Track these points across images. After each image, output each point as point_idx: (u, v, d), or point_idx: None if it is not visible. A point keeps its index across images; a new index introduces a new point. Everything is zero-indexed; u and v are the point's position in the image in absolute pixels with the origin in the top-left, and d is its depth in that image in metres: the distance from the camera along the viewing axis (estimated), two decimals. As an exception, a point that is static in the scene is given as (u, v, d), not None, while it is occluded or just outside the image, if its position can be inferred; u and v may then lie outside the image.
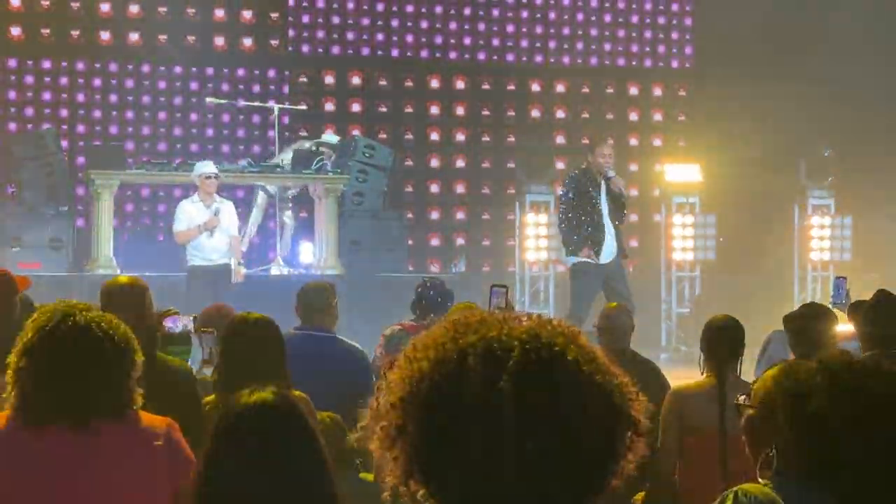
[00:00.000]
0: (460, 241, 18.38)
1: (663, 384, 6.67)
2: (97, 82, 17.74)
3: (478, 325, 1.73)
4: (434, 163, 19.08)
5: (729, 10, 18.02)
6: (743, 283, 15.94)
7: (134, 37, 17.79)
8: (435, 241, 18.78)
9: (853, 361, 2.73)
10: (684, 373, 7.45)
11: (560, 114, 19.44)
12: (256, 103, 17.31)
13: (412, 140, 18.96)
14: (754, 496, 2.70)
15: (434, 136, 19.11)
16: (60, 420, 3.50)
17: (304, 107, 17.38)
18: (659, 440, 5.84)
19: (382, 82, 18.93)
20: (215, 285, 12.51)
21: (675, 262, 16.35)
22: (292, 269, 15.21)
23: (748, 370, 6.26)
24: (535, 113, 19.36)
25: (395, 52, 19.01)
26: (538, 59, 19.51)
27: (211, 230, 12.89)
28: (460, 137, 19.19)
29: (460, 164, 19.15)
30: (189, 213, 13.03)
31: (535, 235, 15.59)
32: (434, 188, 19.03)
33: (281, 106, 16.25)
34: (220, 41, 18.19)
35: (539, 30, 19.57)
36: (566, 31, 19.62)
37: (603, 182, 12.05)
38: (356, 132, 17.63)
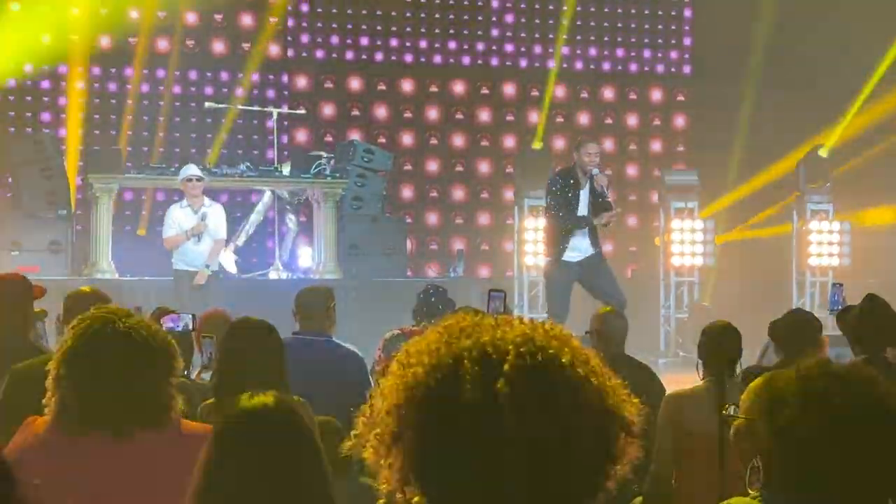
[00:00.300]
0: (459, 245, 18.38)
1: (658, 388, 6.67)
2: (96, 87, 17.73)
3: (471, 329, 1.74)
4: (433, 167, 19.09)
5: (727, 15, 18.03)
6: (741, 289, 15.94)
7: (133, 41, 17.79)
8: (433, 246, 18.79)
9: (826, 369, 2.72)
10: (683, 377, 7.45)
11: (559, 119, 19.45)
12: (255, 107, 17.31)
13: (411, 144, 18.96)
14: None
15: (433, 141, 19.12)
16: (101, 428, 3.46)
17: (302, 111, 17.39)
18: (656, 444, 5.84)
19: (381, 87, 18.93)
20: (204, 291, 12.52)
21: (674, 267, 16.35)
22: (291, 274, 15.22)
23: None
24: (533, 118, 19.36)
25: (393, 57, 19.01)
26: (536, 63, 19.51)
27: (198, 235, 12.91)
28: (459, 142, 19.19)
29: (459, 168, 19.16)
30: (177, 218, 13.07)
31: (534, 240, 15.57)
32: (433, 193, 19.04)
33: (280, 110, 16.25)
34: (219, 46, 18.20)
35: (538, 35, 19.57)
36: (565, 36, 19.61)
37: (586, 180, 12.06)
38: (355, 137, 17.64)
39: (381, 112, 18.90)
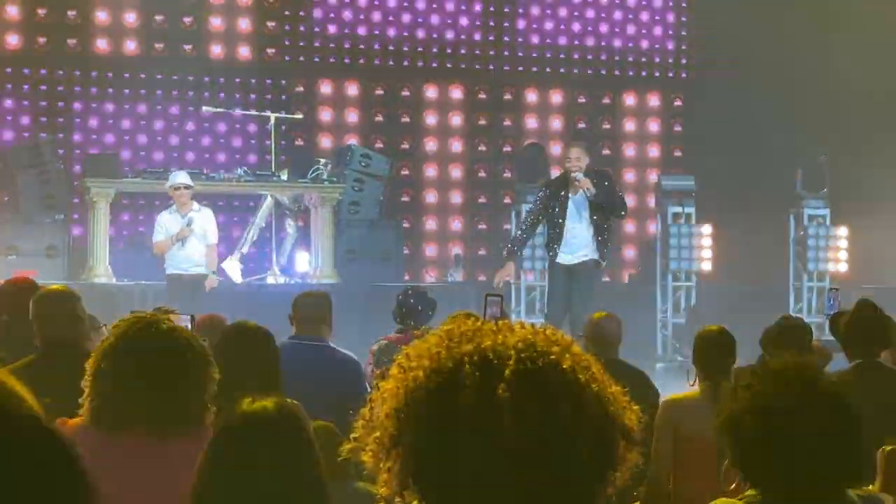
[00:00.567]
0: (456, 250, 18.38)
1: (653, 393, 6.67)
2: (94, 91, 17.73)
3: (472, 334, 1.74)
4: (430, 172, 19.09)
5: (725, 20, 18.04)
6: (738, 293, 15.94)
7: (131, 46, 17.80)
8: (431, 251, 18.79)
9: (766, 365, 2.81)
10: (680, 382, 7.45)
11: (556, 123, 19.46)
12: (253, 112, 17.31)
13: (408, 149, 18.97)
14: None
15: (430, 146, 19.12)
16: (137, 426, 3.47)
17: (300, 116, 17.40)
18: (653, 449, 5.84)
19: (379, 91, 18.94)
20: (193, 295, 12.54)
21: (671, 271, 16.35)
22: (288, 278, 15.22)
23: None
24: (531, 123, 19.37)
25: (391, 62, 19.02)
26: (534, 68, 19.53)
27: (182, 241, 12.97)
28: (456, 147, 19.20)
29: (456, 173, 19.16)
30: (165, 223, 13.18)
31: (532, 245, 15.56)
32: (430, 197, 19.03)
33: (277, 115, 16.26)
34: (216, 50, 18.20)
35: (535, 39, 19.58)
36: (563, 40, 19.64)
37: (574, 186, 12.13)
38: (352, 141, 17.64)
39: (378, 116, 18.90)
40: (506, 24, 19.51)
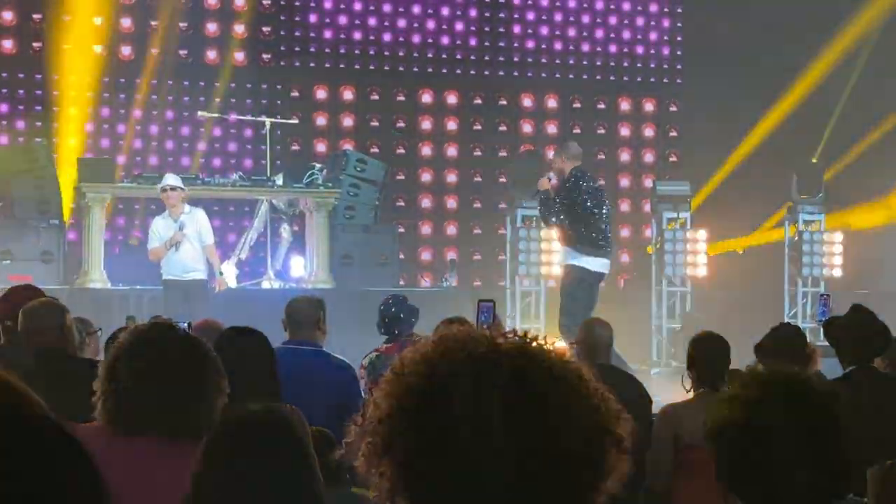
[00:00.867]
0: (451, 255, 18.38)
1: (646, 399, 6.67)
2: (89, 95, 17.71)
3: (465, 341, 1.74)
4: (426, 177, 19.10)
5: (720, 25, 18.07)
6: (734, 299, 15.96)
7: (126, 50, 17.80)
8: (426, 256, 18.79)
9: (754, 375, 2.81)
10: (675, 387, 7.45)
11: (551, 128, 19.47)
12: (248, 117, 17.31)
13: (404, 154, 18.98)
14: None
15: (426, 151, 19.13)
16: (151, 429, 3.47)
17: (295, 121, 17.40)
18: (651, 458, 5.84)
19: (374, 96, 18.95)
20: (190, 300, 12.53)
21: (666, 277, 16.36)
22: (283, 283, 15.22)
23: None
24: (526, 128, 19.38)
25: (387, 67, 19.03)
26: (529, 73, 19.54)
27: (176, 246, 12.93)
28: (452, 152, 19.21)
29: (452, 178, 19.17)
30: (158, 229, 13.13)
31: (527, 250, 15.59)
32: (425, 202, 19.05)
33: (273, 120, 16.26)
34: (212, 55, 18.20)
35: (531, 44, 19.60)
36: (558, 46, 19.66)
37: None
38: (348, 146, 17.65)
39: (374, 122, 18.91)
40: (501, 30, 19.51)
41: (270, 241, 15.62)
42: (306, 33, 18.77)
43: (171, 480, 3.42)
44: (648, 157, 19.86)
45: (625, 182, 19.62)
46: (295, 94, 18.61)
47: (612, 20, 19.91)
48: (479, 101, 19.33)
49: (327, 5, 18.78)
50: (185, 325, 6.28)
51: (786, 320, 12.19)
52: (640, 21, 19.99)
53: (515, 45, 19.56)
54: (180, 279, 12.95)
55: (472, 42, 19.40)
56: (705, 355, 5.97)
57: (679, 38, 20.05)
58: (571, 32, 19.75)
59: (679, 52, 20.05)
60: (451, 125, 19.23)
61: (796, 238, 16.41)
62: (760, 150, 17.77)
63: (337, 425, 5.27)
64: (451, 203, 19.12)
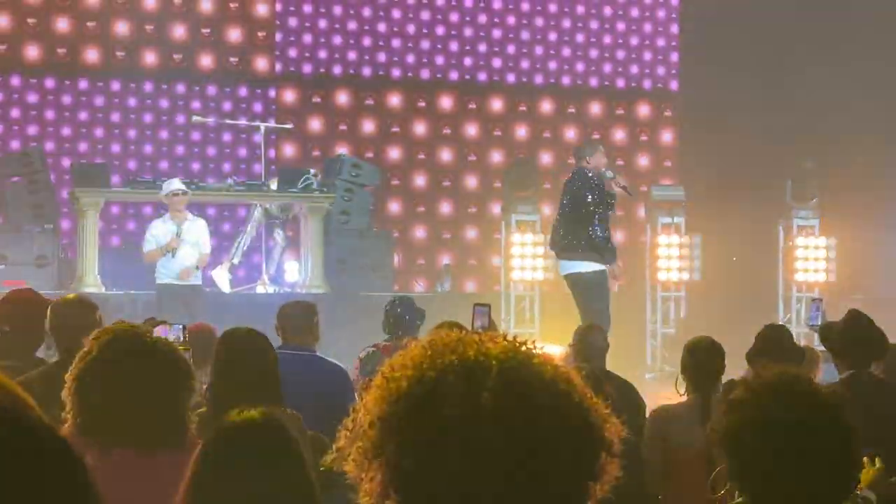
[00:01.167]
0: (446, 260, 18.38)
1: (640, 404, 6.68)
2: (83, 100, 17.71)
3: (455, 344, 1.74)
4: (420, 182, 19.10)
5: (715, 30, 18.09)
6: (728, 304, 15.95)
7: (120, 55, 17.79)
8: (421, 261, 18.79)
9: (761, 378, 2.83)
10: (669, 392, 7.46)
11: (546, 134, 19.48)
12: (243, 122, 17.31)
13: (398, 159, 18.98)
14: None
15: (420, 156, 19.13)
16: (125, 440, 3.44)
17: (290, 126, 17.40)
18: (644, 458, 5.84)
19: (369, 101, 18.95)
20: (188, 305, 12.51)
21: (661, 282, 16.36)
22: (278, 288, 15.21)
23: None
24: (521, 133, 19.39)
25: (381, 72, 19.03)
26: (524, 79, 19.55)
27: (173, 252, 12.89)
28: (446, 157, 19.21)
29: (446, 183, 19.17)
30: (156, 233, 13.09)
31: (521, 255, 15.59)
32: (420, 207, 19.04)
33: (267, 125, 16.25)
34: (206, 60, 18.20)
35: (525, 50, 19.61)
36: (552, 51, 19.67)
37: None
38: (342, 151, 17.64)
39: (368, 127, 18.91)
40: (497, 35, 19.51)
41: (265, 245, 15.62)
42: (301, 38, 18.75)
43: (149, 488, 3.41)
44: (643, 162, 19.87)
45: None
46: (290, 98, 18.61)
47: (607, 24, 19.91)
48: (473, 105, 19.33)
49: (335, 12, 18.80)
50: (181, 326, 6.29)
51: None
52: (634, 27, 20.00)
53: (510, 50, 19.55)
54: (178, 283, 12.91)
55: (468, 47, 19.39)
56: (699, 361, 5.98)
57: (674, 43, 20.06)
58: (566, 37, 19.74)
59: (674, 58, 20.05)
60: (446, 129, 19.23)
61: (790, 243, 16.42)
62: (755, 155, 17.77)
63: (330, 430, 5.28)
64: (446, 208, 19.11)
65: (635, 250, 18.28)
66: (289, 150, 18.32)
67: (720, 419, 2.80)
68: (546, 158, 19.00)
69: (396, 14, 19.09)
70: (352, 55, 18.91)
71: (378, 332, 8.21)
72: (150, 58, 17.89)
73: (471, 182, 19.18)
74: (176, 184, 13.33)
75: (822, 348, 7.06)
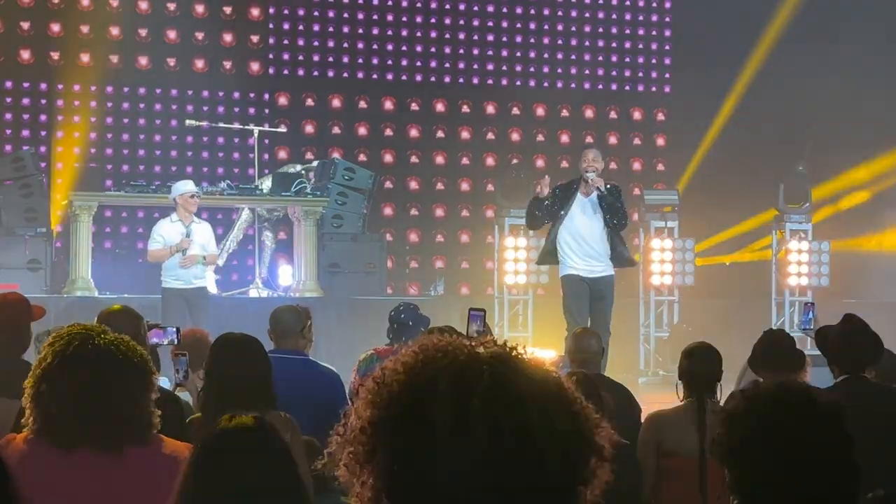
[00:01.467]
0: (439, 264, 18.37)
1: (636, 408, 6.67)
2: (77, 104, 17.69)
3: (445, 349, 1.74)
4: (413, 185, 19.10)
5: (709, 34, 18.12)
6: (721, 308, 15.97)
7: (114, 59, 17.78)
8: (414, 264, 18.79)
9: (763, 390, 2.83)
10: (663, 397, 7.45)
11: (540, 137, 19.49)
12: (236, 125, 17.30)
13: (392, 162, 18.98)
14: None
15: (414, 159, 19.14)
16: (88, 443, 3.43)
17: (283, 129, 17.39)
18: (636, 464, 5.84)
19: (362, 105, 18.96)
20: (192, 308, 12.48)
21: (654, 286, 16.37)
22: (271, 292, 15.20)
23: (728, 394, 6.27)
24: (514, 136, 19.40)
25: (374, 75, 19.04)
26: (518, 82, 19.57)
27: (183, 251, 12.82)
28: (440, 160, 19.22)
29: (440, 186, 19.17)
30: (165, 232, 13.00)
31: (514, 259, 15.59)
32: (413, 211, 19.05)
33: (261, 128, 16.25)
34: (200, 63, 18.19)
35: (519, 54, 19.63)
36: (546, 55, 19.69)
37: (590, 188, 11.97)
38: (336, 155, 17.64)
39: (361, 130, 18.91)
40: (490, 39, 19.53)
41: (257, 249, 15.61)
42: (294, 42, 18.76)
43: (113, 488, 3.41)
44: (636, 166, 19.89)
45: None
46: (283, 102, 18.61)
47: (601, 28, 19.93)
48: (466, 109, 19.34)
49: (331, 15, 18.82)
50: (175, 329, 6.30)
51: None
52: (627, 30, 20.02)
53: (504, 53, 19.57)
54: (185, 287, 12.80)
55: (461, 51, 19.41)
56: (696, 367, 5.97)
57: (667, 47, 20.09)
58: (560, 41, 19.76)
59: (667, 61, 20.08)
60: (439, 133, 19.24)
61: (783, 247, 16.43)
62: (748, 159, 17.80)
63: (323, 434, 5.27)
64: (439, 211, 19.12)
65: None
66: (282, 153, 18.31)
67: (720, 431, 2.80)
68: (539, 162, 19.01)
69: (389, 18, 19.10)
70: (345, 58, 18.91)
71: (371, 335, 8.21)
72: (143, 61, 17.88)
73: (464, 185, 19.19)
74: (190, 185, 13.23)
75: (812, 352, 7.06)
